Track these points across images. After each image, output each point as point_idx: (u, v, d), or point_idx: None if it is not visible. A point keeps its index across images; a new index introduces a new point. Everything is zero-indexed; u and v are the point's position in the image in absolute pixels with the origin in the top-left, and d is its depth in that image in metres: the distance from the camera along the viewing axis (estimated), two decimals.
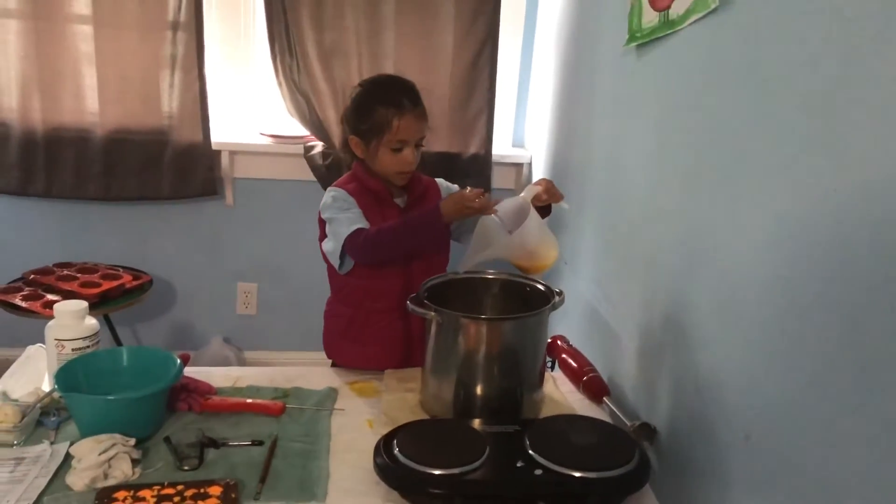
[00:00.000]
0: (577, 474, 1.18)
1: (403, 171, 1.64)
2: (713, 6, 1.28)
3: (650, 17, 1.57)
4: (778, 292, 1.08)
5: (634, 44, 1.68)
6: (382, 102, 1.61)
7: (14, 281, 2.53)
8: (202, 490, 1.16)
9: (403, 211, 1.68)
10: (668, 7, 1.48)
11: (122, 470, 1.21)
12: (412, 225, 1.59)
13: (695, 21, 1.37)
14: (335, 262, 1.64)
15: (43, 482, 1.18)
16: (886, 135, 0.86)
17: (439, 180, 1.77)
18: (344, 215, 1.61)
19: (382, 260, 1.64)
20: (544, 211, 1.59)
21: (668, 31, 1.49)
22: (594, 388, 1.61)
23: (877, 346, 0.87)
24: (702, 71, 1.38)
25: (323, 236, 1.67)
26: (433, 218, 1.55)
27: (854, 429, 0.91)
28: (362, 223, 1.59)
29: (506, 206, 1.54)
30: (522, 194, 1.54)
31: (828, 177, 0.97)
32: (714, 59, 1.32)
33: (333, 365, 1.75)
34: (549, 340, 1.74)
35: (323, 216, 1.66)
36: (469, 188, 1.55)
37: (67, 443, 1.28)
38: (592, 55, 2.12)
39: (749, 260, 1.17)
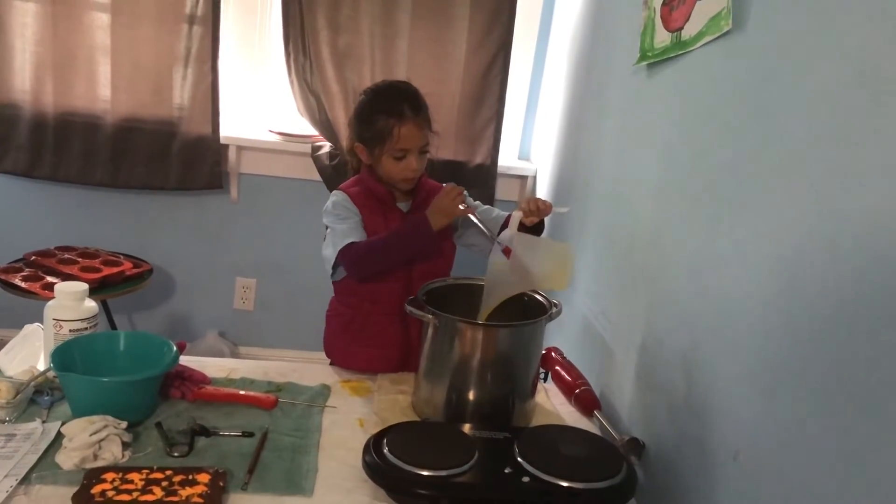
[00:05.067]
0: (565, 484, 1.18)
1: (407, 177, 1.65)
2: (725, 29, 1.30)
3: (662, 37, 1.59)
4: (773, 316, 1.09)
5: (645, 62, 1.69)
6: (383, 111, 1.61)
7: (15, 261, 2.54)
8: (190, 476, 1.16)
9: (406, 215, 1.69)
10: (681, 28, 1.49)
11: (112, 452, 1.21)
12: (400, 236, 1.60)
13: (707, 43, 1.38)
14: (328, 270, 1.66)
15: (32, 459, 1.19)
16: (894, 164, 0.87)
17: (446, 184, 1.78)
18: (340, 226, 1.62)
19: (376, 272, 1.65)
20: (537, 228, 1.60)
21: (680, 52, 1.50)
22: (585, 401, 1.62)
23: (867, 371, 0.88)
24: (711, 92, 1.39)
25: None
26: (421, 228, 1.56)
27: (844, 453, 0.91)
28: (356, 235, 1.61)
29: (500, 243, 1.53)
30: (507, 229, 1.54)
31: (832, 204, 0.98)
32: (724, 81, 1.34)
33: (332, 364, 1.75)
34: (544, 352, 1.75)
35: (323, 221, 1.67)
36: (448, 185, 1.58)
37: (59, 422, 1.29)
38: (603, 72, 2.13)
39: (747, 283, 1.18)
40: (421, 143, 1.64)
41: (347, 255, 1.59)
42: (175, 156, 2.74)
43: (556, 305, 1.52)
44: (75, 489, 1.11)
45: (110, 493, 1.10)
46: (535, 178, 2.89)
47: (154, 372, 1.35)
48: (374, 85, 1.75)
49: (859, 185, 0.93)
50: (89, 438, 1.20)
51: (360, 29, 2.67)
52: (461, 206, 1.57)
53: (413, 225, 1.59)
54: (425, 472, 1.18)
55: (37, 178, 2.71)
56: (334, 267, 1.64)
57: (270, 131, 2.86)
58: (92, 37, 2.61)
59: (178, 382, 1.46)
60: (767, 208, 1.14)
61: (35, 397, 1.38)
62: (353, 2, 2.64)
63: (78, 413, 1.29)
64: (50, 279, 2.36)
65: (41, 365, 1.49)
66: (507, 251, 1.50)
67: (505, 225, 1.58)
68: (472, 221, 1.59)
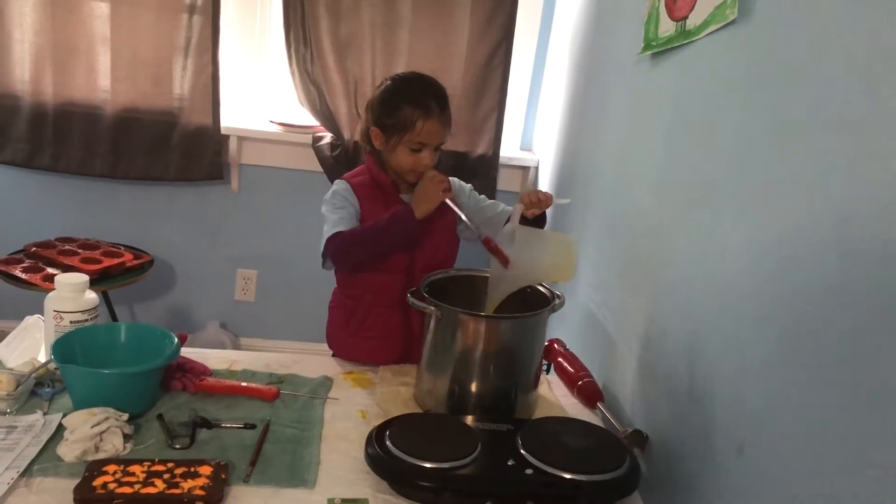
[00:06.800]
0: (568, 476, 1.18)
1: (417, 171, 1.64)
2: (731, 18, 1.28)
3: (667, 27, 1.57)
4: (777, 306, 1.08)
5: (649, 52, 1.68)
6: (411, 102, 1.60)
7: (15, 252, 2.53)
8: (192, 469, 1.15)
9: (409, 206, 1.68)
10: (686, 17, 1.48)
11: (114, 444, 1.21)
12: (383, 226, 1.58)
13: (711, 32, 1.37)
14: (319, 259, 1.65)
15: (34, 451, 1.19)
16: None
17: (453, 179, 1.77)
18: (332, 216, 1.62)
19: (358, 262, 1.64)
20: (539, 221, 1.60)
21: (684, 41, 1.49)
22: (588, 392, 1.61)
23: (873, 361, 0.87)
24: (715, 82, 1.38)
25: None
26: (404, 216, 1.55)
27: (849, 444, 0.91)
28: (345, 226, 1.60)
29: (503, 237, 1.53)
30: (508, 222, 1.54)
31: (836, 194, 0.97)
32: (728, 72, 1.32)
33: (334, 356, 1.75)
34: (546, 343, 1.74)
35: (321, 209, 1.66)
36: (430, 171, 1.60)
37: (60, 414, 1.28)
38: (606, 62, 2.12)
39: (750, 273, 1.17)
40: (439, 141, 1.64)
41: (332, 244, 1.58)
42: (175, 146, 2.72)
43: (558, 297, 1.51)
44: (77, 481, 1.11)
45: (112, 486, 1.10)
46: (537, 168, 2.88)
47: (155, 364, 1.34)
48: (404, 74, 1.74)
49: (863, 175, 0.92)
50: (91, 430, 1.19)
51: (361, 18, 2.66)
52: (441, 193, 1.56)
53: (397, 215, 1.58)
54: (428, 465, 1.18)
55: (37, 169, 2.70)
56: (323, 256, 1.63)
57: (271, 122, 2.84)
58: (91, 27, 2.59)
59: (180, 374, 1.45)
60: (771, 198, 1.13)
61: (36, 389, 1.38)
62: None
63: (79, 405, 1.28)
64: (50, 270, 2.35)
65: (42, 357, 1.48)
66: (504, 262, 1.49)
67: (508, 220, 1.57)
68: (452, 208, 1.57)
